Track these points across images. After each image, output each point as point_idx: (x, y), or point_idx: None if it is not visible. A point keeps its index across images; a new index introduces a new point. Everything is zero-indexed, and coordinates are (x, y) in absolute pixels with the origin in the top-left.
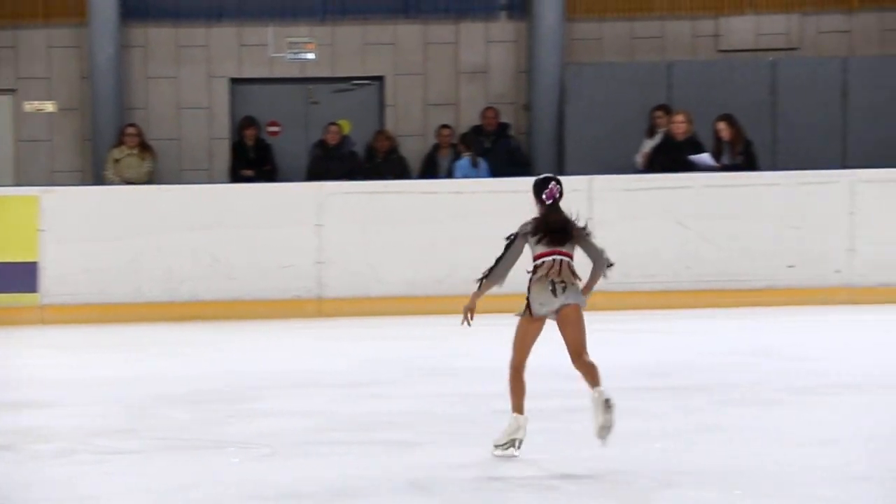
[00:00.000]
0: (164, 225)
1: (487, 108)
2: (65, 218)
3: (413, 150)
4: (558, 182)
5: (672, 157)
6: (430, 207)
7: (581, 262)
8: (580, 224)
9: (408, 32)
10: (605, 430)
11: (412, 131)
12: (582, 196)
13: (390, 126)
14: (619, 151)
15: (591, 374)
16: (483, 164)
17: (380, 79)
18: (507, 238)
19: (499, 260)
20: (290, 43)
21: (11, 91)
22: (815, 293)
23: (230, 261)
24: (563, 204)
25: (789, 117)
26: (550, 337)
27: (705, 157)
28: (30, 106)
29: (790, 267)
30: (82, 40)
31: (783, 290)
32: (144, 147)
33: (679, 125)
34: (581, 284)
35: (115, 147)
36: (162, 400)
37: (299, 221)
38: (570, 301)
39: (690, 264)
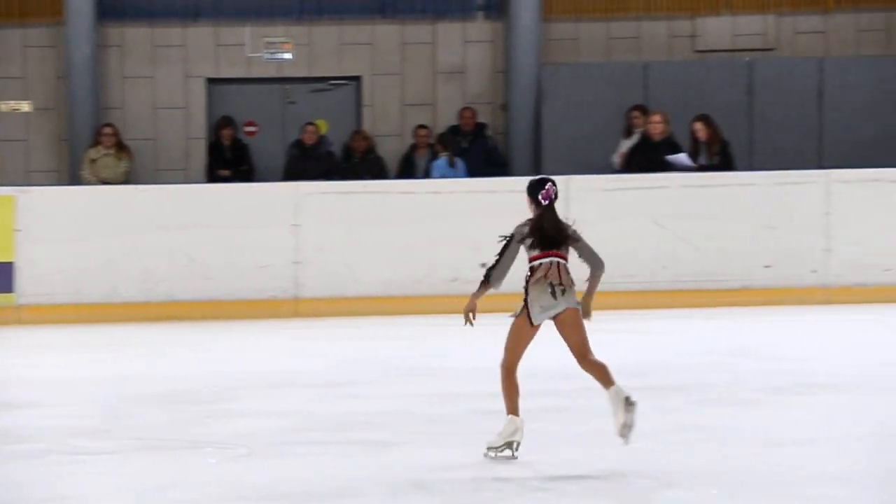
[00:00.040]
0: (140, 225)
1: (464, 109)
2: (41, 218)
3: (390, 150)
4: (554, 184)
5: (649, 158)
6: (407, 207)
7: (572, 263)
8: (571, 227)
9: (385, 32)
10: (626, 429)
11: (389, 131)
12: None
13: (367, 126)
14: (596, 152)
15: (601, 373)
16: (460, 164)
17: (357, 79)
18: (502, 238)
19: (496, 262)
20: (267, 43)
21: None
22: (791, 293)
23: (207, 261)
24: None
25: (766, 117)
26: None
27: (682, 158)
28: (5, 106)
29: (767, 267)
30: (58, 40)
31: (760, 290)
32: (121, 147)
33: (656, 125)
34: (576, 289)
35: (91, 147)
36: (139, 400)
37: (276, 221)
38: (568, 305)
39: (667, 264)
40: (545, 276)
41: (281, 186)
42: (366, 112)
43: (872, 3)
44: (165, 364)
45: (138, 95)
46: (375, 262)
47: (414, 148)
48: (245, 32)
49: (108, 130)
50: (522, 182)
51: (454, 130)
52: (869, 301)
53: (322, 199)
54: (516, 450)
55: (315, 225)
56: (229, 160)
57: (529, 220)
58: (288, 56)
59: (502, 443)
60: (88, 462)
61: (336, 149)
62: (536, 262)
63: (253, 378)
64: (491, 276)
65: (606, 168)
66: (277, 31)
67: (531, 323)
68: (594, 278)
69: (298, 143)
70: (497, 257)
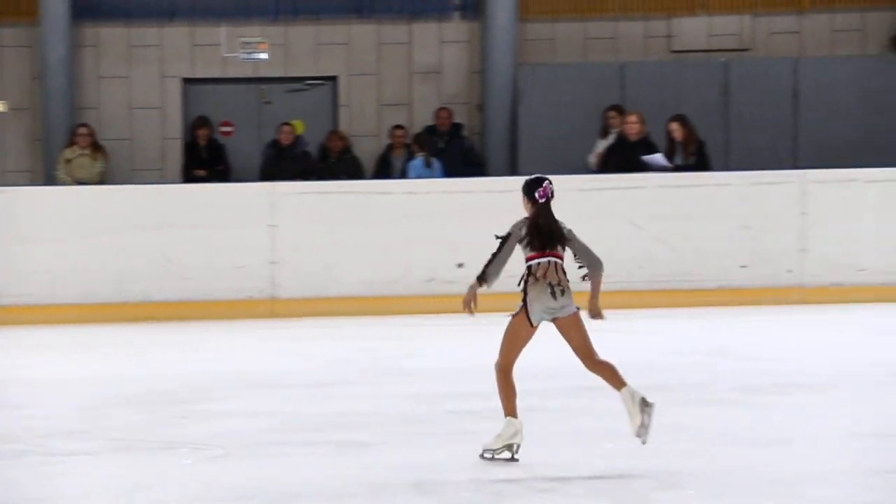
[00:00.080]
0: (116, 225)
1: (441, 109)
2: (16, 218)
3: (367, 150)
4: (550, 182)
5: (625, 158)
6: (383, 208)
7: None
8: (567, 226)
9: (361, 32)
10: (644, 430)
11: (366, 131)
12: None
13: (344, 126)
14: (572, 152)
15: (610, 374)
16: (436, 164)
17: (333, 79)
18: (499, 238)
19: (491, 260)
20: (243, 43)
21: None
22: (767, 293)
23: (183, 261)
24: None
25: (741, 118)
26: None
27: (658, 158)
28: None
29: (743, 267)
30: (33, 40)
31: (736, 289)
32: (96, 147)
33: (632, 125)
34: (572, 293)
35: (66, 147)
36: (115, 401)
37: (252, 221)
38: (569, 310)
39: (644, 264)
40: (544, 276)
41: (257, 187)
42: (342, 112)
43: (847, 3)
44: (142, 365)
45: (114, 95)
46: (352, 263)
47: (390, 148)
48: (221, 32)
49: (83, 130)
50: (499, 182)
51: (430, 131)
52: (844, 301)
53: (298, 199)
54: (516, 452)
55: (291, 225)
56: (205, 160)
57: (526, 219)
58: (264, 56)
59: (501, 445)
60: (65, 463)
61: (312, 149)
62: (534, 262)
63: (230, 379)
64: (487, 273)
65: (583, 168)
66: (253, 31)
67: (530, 323)
68: (595, 279)
69: (274, 144)
70: (493, 255)
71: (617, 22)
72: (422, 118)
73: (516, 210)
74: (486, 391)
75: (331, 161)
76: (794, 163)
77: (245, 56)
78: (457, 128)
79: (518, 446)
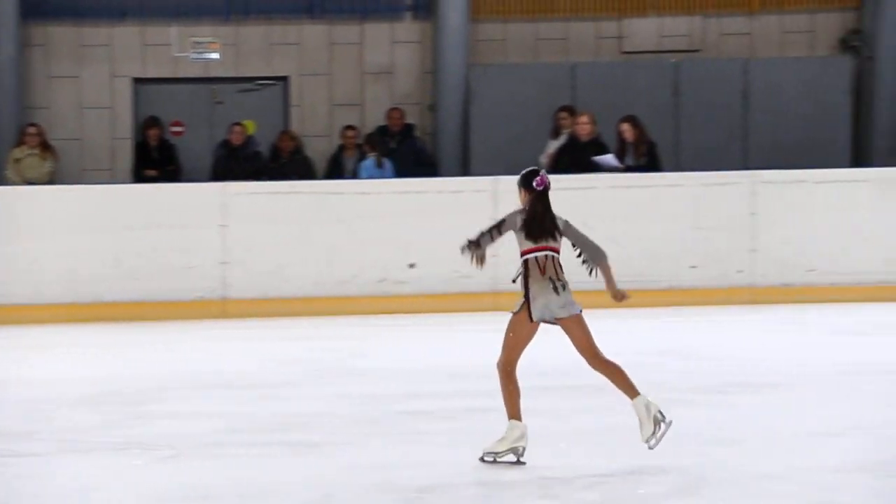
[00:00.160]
0: (66, 226)
1: (393, 109)
2: None
3: (318, 150)
4: (546, 174)
5: (576, 158)
6: (335, 208)
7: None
8: (563, 218)
9: (312, 33)
10: (656, 441)
11: (317, 132)
12: (487, 197)
13: (295, 126)
14: (524, 152)
15: (618, 377)
16: (388, 164)
17: (284, 79)
18: (495, 221)
19: (483, 234)
20: (194, 43)
21: None
22: (717, 293)
23: (133, 261)
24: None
25: (692, 119)
26: (453, 337)
27: (609, 159)
28: None
29: (693, 267)
30: None
31: (686, 290)
32: (46, 147)
33: (583, 126)
34: (569, 292)
35: (15, 147)
36: (64, 402)
37: (203, 222)
38: (571, 311)
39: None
40: (543, 271)
41: (208, 187)
42: (293, 112)
43: (796, 4)
44: (91, 365)
45: (64, 95)
46: (304, 263)
47: (342, 148)
48: (171, 32)
49: (32, 130)
50: (451, 183)
51: (382, 131)
52: (794, 301)
53: (250, 199)
54: (522, 455)
55: (243, 225)
56: (156, 160)
57: (522, 210)
58: (215, 56)
59: (505, 448)
60: (12, 465)
61: (263, 149)
62: (531, 256)
63: (180, 379)
64: (480, 240)
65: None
66: (204, 31)
67: (531, 319)
68: (603, 268)
69: (226, 144)
70: (483, 231)
71: (568, 23)
72: (373, 118)
73: (468, 210)
74: (438, 391)
75: (282, 161)
76: (745, 163)
77: (196, 56)
78: (408, 128)
79: (524, 449)
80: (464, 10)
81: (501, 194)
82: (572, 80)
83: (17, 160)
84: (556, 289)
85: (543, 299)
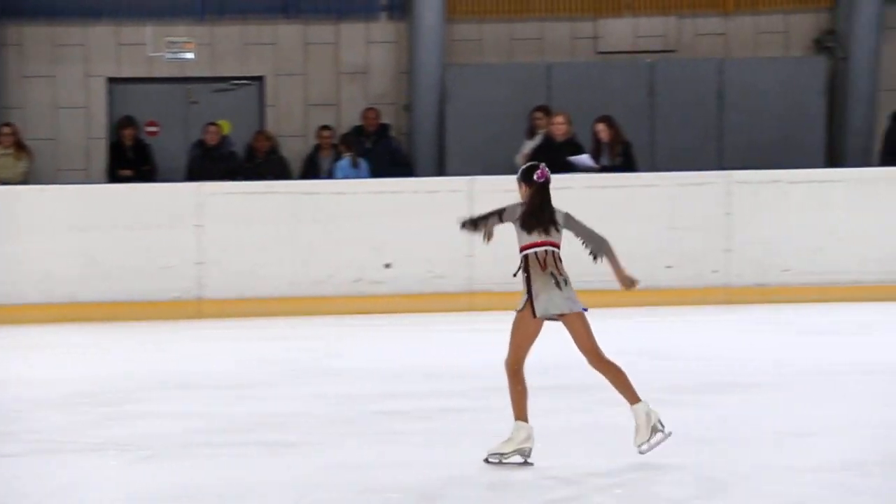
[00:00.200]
0: (40, 226)
1: (368, 109)
2: None
3: (294, 150)
4: (546, 168)
5: (552, 158)
6: (310, 208)
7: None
8: (563, 211)
9: (288, 32)
10: (649, 448)
11: (293, 132)
12: (463, 196)
13: (271, 126)
14: (499, 152)
15: (619, 380)
16: (364, 164)
17: (260, 79)
18: (497, 208)
19: (487, 217)
20: (169, 42)
21: None
22: (693, 293)
23: (108, 262)
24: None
25: (667, 119)
26: (428, 337)
27: (585, 159)
28: None
29: (668, 267)
30: None
31: (662, 290)
32: (20, 147)
33: (559, 126)
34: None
35: None
36: (39, 402)
37: (179, 222)
38: (573, 305)
39: (570, 265)
40: (543, 266)
41: (183, 187)
42: (269, 112)
43: (771, 5)
44: (67, 366)
45: (38, 95)
46: (279, 263)
47: (317, 148)
48: (146, 32)
49: (6, 130)
50: (426, 183)
51: (358, 131)
52: (769, 301)
53: (225, 199)
54: (529, 456)
55: (218, 225)
56: (131, 160)
57: (521, 203)
58: (190, 56)
59: (512, 450)
60: None
61: (239, 149)
62: (530, 251)
63: (156, 379)
64: (477, 220)
65: (510, 168)
66: (179, 31)
67: (534, 314)
68: (609, 256)
69: (201, 144)
70: (482, 214)
71: (543, 23)
72: (349, 118)
73: (444, 210)
74: (414, 391)
75: (257, 161)
76: (720, 163)
77: (171, 56)
78: (384, 128)
79: (530, 450)
80: (439, 10)
81: (477, 194)
82: (548, 81)
83: None
84: (558, 283)
85: (546, 295)
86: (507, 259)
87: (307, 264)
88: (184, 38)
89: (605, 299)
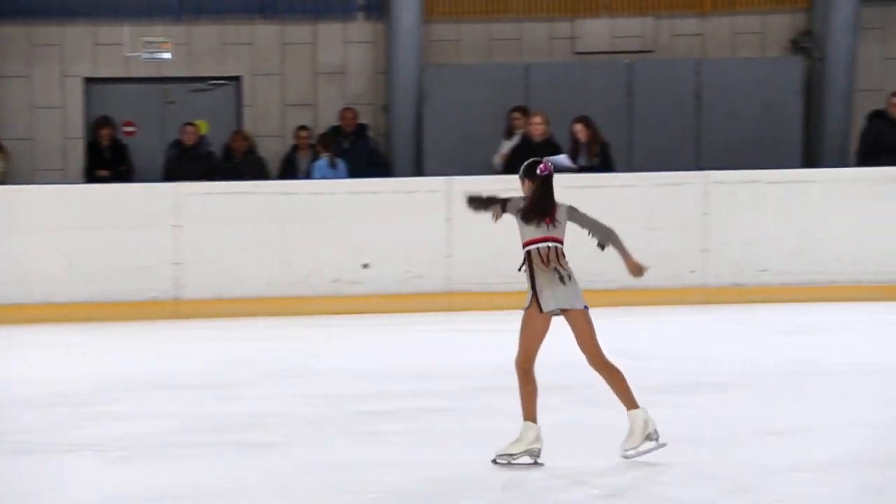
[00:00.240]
0: (17, 226)
1: (346, 109)
2: None
3: (271, 150)
4: (549, 163)
5: (529, 159)
6: (288, 208)
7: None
8: (566, 204)
9: (265, 33)
10: (633, 451)
11: (270, 132)
12: (441, 197)
13: (248, 126)
14: (477, 152)
15: (617, 382)
16: (341, 164)
17: (237, 79)
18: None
19: (491, 200)
20: (146, 42)
21: None
22: (670, 293)
23: (86, 262)
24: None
25: (644, 119)
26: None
27: (562, 159)
28: None
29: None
30: None
31: (639, 290)
32: None
33: (536, 126)
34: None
35: None
36: (15, 403)
37: (156, 222)
38: (577, 301)
39: None
40: (546, 262)
41: (161, 187)
42: (246, 112)
43: (748, 5)
44: (44, 366)
45: (15, 95)
46: (257, 263)
47: (295, 149)
48: (123, 32)
49: None
50: (404, 183)
51: (335, 131)
52: (746, 301)
53: (202, 199)
54: (538, 456)
55: (195, 225)
56: (108, 160)
57: (524, 197)
58: (167, 56)
59: (521, 451)
60: None
61: (216, 149)
62: (533, 247)
63: (133, 380)
64: (479, 197)
65: (488, 169)
66: (156, 31)
67: (540, 310)
68: (617, 246)
69: (178, 144)
70: (492, 198)
71: (521, 23)
72: (327, 118)
73: (422, 210)
74: (394, 391)
75: (235, 161)
76: (697, 164)
77: (148, 56)
78: (362, 128)
79: (540, 451)
80: (417, 11)
81: (455, 194)
82: (525, 81)
83: None
84: (562, 278)
85: (550, 290)
86: (485, 260)
87: (285, 265)
88: (161, 38)
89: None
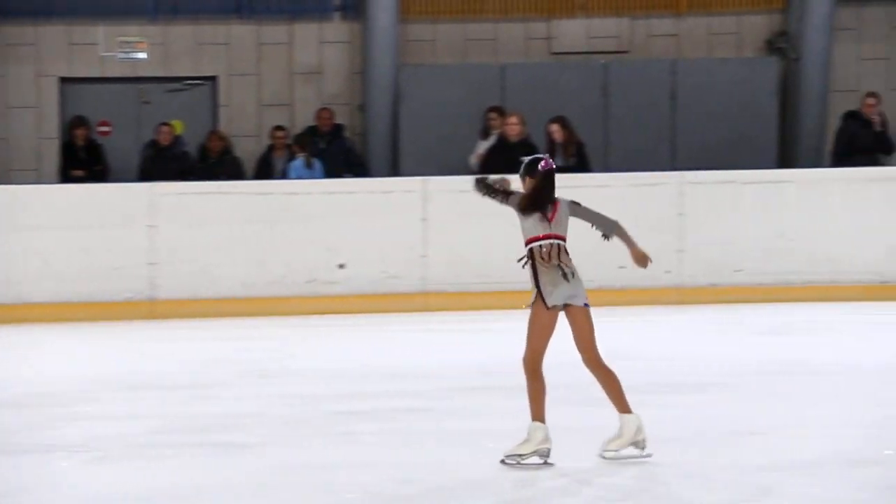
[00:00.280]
0: None
1: (322, 109)
2: None
3: (247, 150)
4: (550, 159)
5: (506, 159)
6: (264, 208)
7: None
8: (568, 199)
9: (241, 33)
10: (612, 454)
11: (246, 132)
12: (416, 197)
13: (224, 126)
14: (453, 152)
15: (611, 385)
16: (317, 164)
17: (213, 79)
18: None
19: (495, 188)
20: (122, 42)
21: None
22: (645, 294)
23: (60, 262)
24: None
25: (620, 119)
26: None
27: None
28: None
29: (621, 268)
30: None
31: (614, 290)
32: None
33: (512, 127)
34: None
35: None
36: None
37: (131, 222)
38: (580, 298)
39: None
40: (549, 259)
41: (136, 187)
42: (222, 112)
43: (723, 6)
44: (18, 367)
45: None
46: (232, 264)
47: (271, 149)
48: (98, 31)
49: None
50: (380, 183)
51: (311, 131)
52: (721, 301)
53: (178, 199)
54: (548, 456)
55: (171, 226)
56: (83, 160)
57: (524, 193)
58: (142, 56)
59: (530, 451)
60: None
61: (192, 149)
62: (535, 245)
63: (108, 380)
64: (487, 181)
65: (464, 169)
66: (132, 31)
67: (546, 306)
68: (622, 236)
69: (153, 144)
70: (494, 185)
71: (497, 24)
72: (303, 119)
73: (398, 211)
74: (370, 392)
75: (211, 161)
76: (673, 164)
77: (123, 55)
78: (338, 128)
79: (549, 451)
80: (393, 11)
81: (431, 194)
82: (502, 81)
83: None
84: (565, 275)
85: (554, 287)
86: (461, 260)
87: (261, 265)
88: (136, 38)
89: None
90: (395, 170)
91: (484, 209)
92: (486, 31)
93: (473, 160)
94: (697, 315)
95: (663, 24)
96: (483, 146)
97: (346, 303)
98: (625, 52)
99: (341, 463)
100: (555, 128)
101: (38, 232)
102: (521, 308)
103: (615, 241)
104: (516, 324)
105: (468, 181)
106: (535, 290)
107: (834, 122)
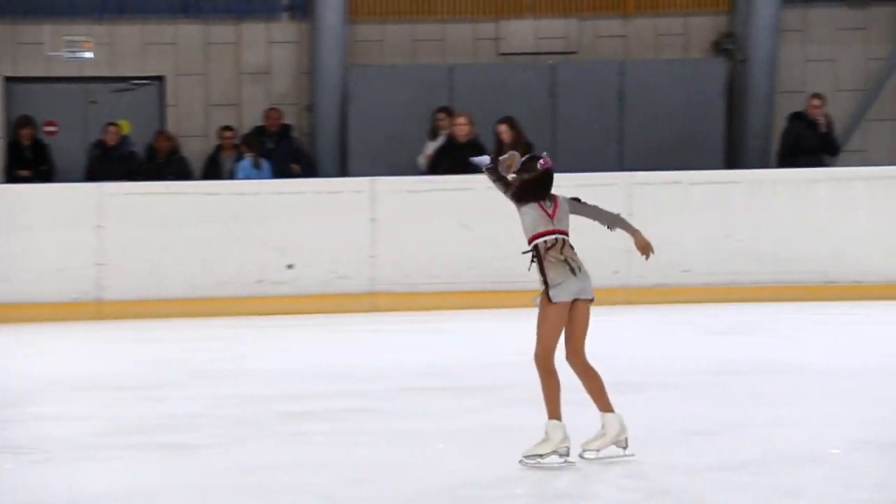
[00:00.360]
0: None
1: (270, 109)
2: None
3: (195, 150)
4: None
5: (454, 159)
6: (212, 208)
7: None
8: (568, 196)
9: (188, 32)
10: (591, 454)
11: (194, 132)
12: (365, 197)
13: (171, 126)
14: (401, 153)
15: (594, 384)
16: (265, 165)
17: (160, 79)
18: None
19: (498, 176)
20: (68, 41)
21: None
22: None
23: (6, 263)
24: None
25: (568, 120)
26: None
27: (487, 160)
28: None
29: None
30: None
31: None
32: None
33: (461, 127)
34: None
35: None
36: None
37: (78, 222)
38: (588, 293)
39: (473, 265)
40: (558, 252)
41: (83, 187)
42: (170, 112)
43: (670, 7)
44: None
45: None
46: (180, 264)
47: (219, 149)
48: (44, 31)
49: None
50: (329, 183)
51: (259, 131)
52: (669, 301)
53: (125, 199)
54: (568, 455)
55: (118, 226)
56: (29, 160)
57: (520, 182)
58: (89, 55)
59: (549, 451)
60: None
61: (139, 149)
62: (540, 240)
63: (54, 381)
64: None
65: (412, 169)
66: (78, 30)
67: (550, 300)
68: (626, 227)
69: (100, 144)
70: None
71: (445, 24)
72: (251, 119)
73: (346, 211)
74: (320, 392)
75: (158, 161)
76: (620, 165)
77: (69, 55)
78: (286, 128)
79: (568, 449)
80: (341, 11)
81: (379, 194)
82: (450, 82)
83: None
84: (572, 270)
85: (562, 281)
86: (409, 260)
87: (209, 265)
88: (83, 38)
89: (506, 300)
90: (343, 170)
91: (433, 209)
92: (435, 32)
93: (422, 160)
94: (644, 315)
95: (611, 25)
96: (431, 146)
97: (296, 303)
98: (572, 53)
99: (292, 463)
100: (503, 128)
101: None
102: (529, 305)
103: (619, 231)
104: (466, 324)
105: (417, 181)
106: (542, 286)
107: (780, 123)
